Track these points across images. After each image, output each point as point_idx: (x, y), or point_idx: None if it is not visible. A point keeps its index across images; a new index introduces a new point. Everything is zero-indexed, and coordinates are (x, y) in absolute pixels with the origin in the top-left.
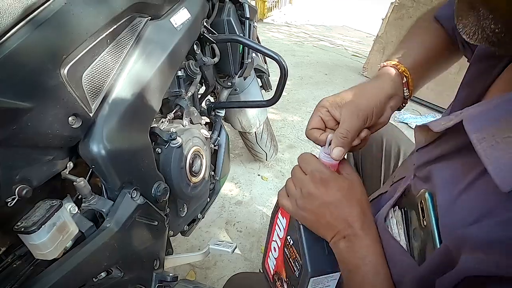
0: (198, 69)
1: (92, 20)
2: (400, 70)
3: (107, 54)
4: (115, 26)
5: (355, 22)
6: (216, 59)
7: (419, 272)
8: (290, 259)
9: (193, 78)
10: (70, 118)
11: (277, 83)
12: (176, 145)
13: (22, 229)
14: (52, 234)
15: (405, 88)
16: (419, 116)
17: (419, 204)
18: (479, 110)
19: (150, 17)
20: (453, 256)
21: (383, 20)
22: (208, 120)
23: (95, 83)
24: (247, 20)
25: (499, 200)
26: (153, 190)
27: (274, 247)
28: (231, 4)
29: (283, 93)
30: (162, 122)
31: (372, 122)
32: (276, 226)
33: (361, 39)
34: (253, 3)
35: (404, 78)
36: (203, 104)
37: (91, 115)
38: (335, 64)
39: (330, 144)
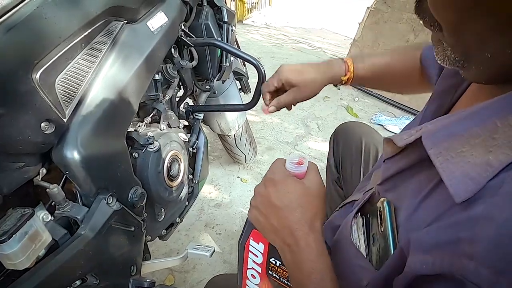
0: (176, 72)
1: (66, 24)
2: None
3: (82, 58)
4: (89, 30)
5: (333, 25)
6: (194, 63)
7: (378, 276)
8: (282, 279)
9: (170, 82)
10: (42, 124)
11: (255, 86)
12: (153, 149)
13: None
14: (24, 243)
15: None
16: (394, 118)
17: (378, 212)
18: (437, 126)
19: (126, 21)
20: (406, 259)
21: (359, 24)
22: (186, 123)
23: (69, 87)
24: (225, 24)
25: (448, 207)
26: (129, 195)
27: (251, 275)
28: (209, 8)
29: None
30: (139, 126)
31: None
32: (250, 253)
33: (339, 42)
34: (232, 4)
35: (346, 65)
36: (181, 107)
37: (65, 121)
38: None
39: (296, 158)
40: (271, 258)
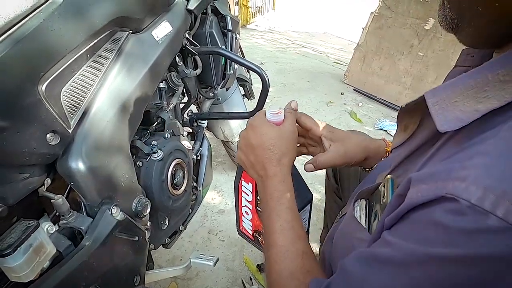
0: (180, 81)
1: (72, 35)
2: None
3: (87, 69)
4: (95, 41)
5: (337, 29)
6: (198, 71)
7: (374, 236)
8: None
9: (175, 90)
10: (48, 135)
11: (259, 93)
12: (157, 158)
13: None
14: (28, 256)
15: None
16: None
17: (381, 188)
18: (440, 86)
19: (131, 31)
20: (404, 198)
21: (363, 29)
22: (190, 130)
23: (74, 98)
24: (230, 32)
25: (446, 156)
26: (133, 205)
27: (245, 212)
28: (213, 16)
29: (267, 100)
30: (143, 135)
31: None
32: (242, 193)
33: (343, 46)
34: (236, 8)
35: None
36: (185, 114)
37: (70, 132)
38: (317, 71)
39: (275, 109)
40: (258, 195)
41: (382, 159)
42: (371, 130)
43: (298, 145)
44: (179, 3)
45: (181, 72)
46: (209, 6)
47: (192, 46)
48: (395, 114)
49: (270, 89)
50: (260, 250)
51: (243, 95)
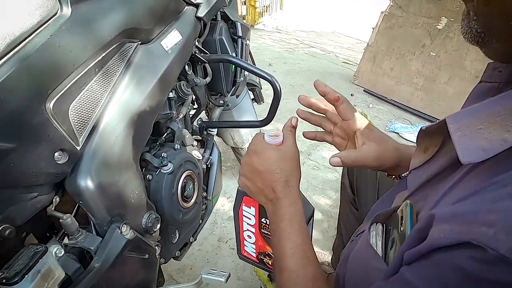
0: (190, 89)
1: (80, 51)
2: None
3: (95, 83)
4: (103, 54)
5: (345, 28)
6: (208, 79)
7: (391, 269)
8: None
9: (184, 99)
10: (56, 154)
11: (270, 103)
12: (167, 171)
13: (3, 280)
14: (36, 283)
15: None
16: (409, 125)
17: (399, 213)
18: (462, 111)
19: (140, 42)
20: (425, 234)
21: (373, 29)
22: (200, 138)
23: (82, 114)
24: (240, 39)
25: (472, 192)
26: (143, 221)
27: (247, 236)
28: (223, 22)
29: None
30: (153, 146)
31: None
32: (244, 217)
33: (351, 46)
34: (244, 8)
35: None
36: (195, 123)
37: (79, 149)
38: (327, 71)
39: (272, 132)
40: (262, 218)
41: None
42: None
43: (322, 130)
44: (189, 10)
45: (191, 81)
46: (218, 13)
47: (202, 54)
48: (407, 115)
49: None
50: (266, 270)
51: (252, 99)
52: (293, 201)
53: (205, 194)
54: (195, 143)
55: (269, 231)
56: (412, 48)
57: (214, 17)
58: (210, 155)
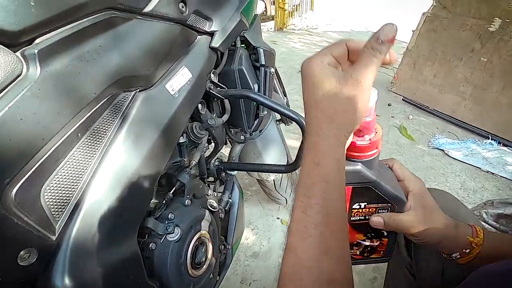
0: (204, 131)
1: (52, 118)
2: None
3: (78, 151)
4: (88, 114)
5: (378, 27)
6: (226, 117)
7: None
8: (366, 216)
9: (197, 143)
10: (21, 253)
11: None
12: (174, 239)
13: None
14: None
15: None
16: (457, 140)
17: None
18: None
19: (139, 89)
20: None
21: (413, 32)
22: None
23: (61, 194)
24: (263, 67)
25: None
26: None
27: None
28: (243, 49)
29: (303, 114)
30: (157, 207)
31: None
32: None
33: None
34: (272, 8)
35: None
36: (212, 163)
37: (54, 239)
38: None
39: None
40: (354, 204)
41: (465, 251)
42: (425, 150)
43: None
44: (201, 41)
45: (205, 123)
46: (238, 37)
47: (218, 89)
48: (453, 128)
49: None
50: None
51: (278, 120)
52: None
53: (223, 241)
54: (210, 191)
55: (361, 216)
56: (458, 53)
57: (233, 44)
58: (230, 197)
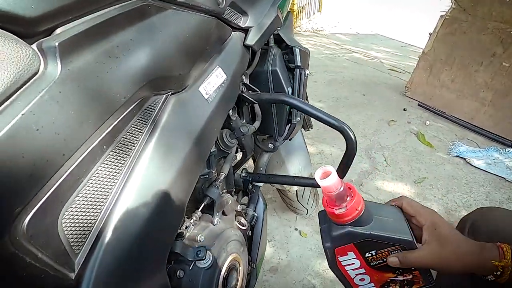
0: (234, 140)
1: (75, 129)
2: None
3: (103, 167)
4: (115, 123)
5: (386, 30)
6: (257, 124)
7: None
8: (384, 259)
9: (227, 153)
10: None
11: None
12: (205, 266)
13: None
14: None
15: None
16: (477, 148)
17: None
18: None
19: (171, 91)
20: None
21: (430, 35)
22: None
23: (81, 221)
24: (298, 69)
25: None
26: None
27: (360, 279)
28: (276, 48)
29: None
30: (185, 227)
31: None
32: (346, 267)
33: (396, 49)
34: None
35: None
36: (238, 173)
37: (73, 277)
38: (372, 81)
39: None
40: (365, 254)
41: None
42: (445, 157)
43: None
44: (235, 38)
45: (237, 130)
46: (271, 36)
47: (250, 93)
48: (472, 135)
49: (321, 104)
50: None
51: None
52: None
53: (249, 260)
54: (239, 207)
55: (379, 259)
56: (478, 58)
57: (266, 43)
58: (255, 210)
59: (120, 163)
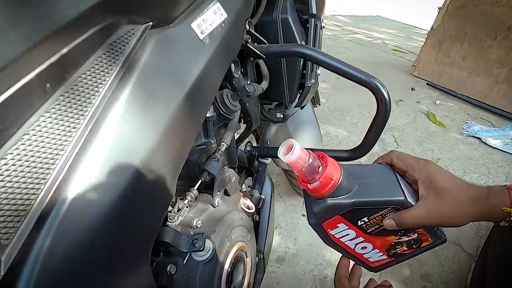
0: (237, 104)
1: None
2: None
3: (48, 117)
4: (63, 50)
5: (387, 12)
6: (265, 85)
7: None
8: (380, 224)
9: (229, 118)
10: None
11: (372, 121)
12: (204, 259)
13: None
14: None
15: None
16: (493, 128)
17: None
18: None
19: (150, 22)
20: None
21: (439, 9)
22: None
23: (11, 198)
24: (312, 19)
25: None
26: None
27: (362, 248)
28: None
29: (322, 100)
30: (176, 209)
31: None
32: (341, 239)
33: (399, 31)
34: None
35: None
36: (242, 147)
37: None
38: (377, 61)
39: None
40: (358, 222)
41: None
42: (458, 138)
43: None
44: None
45: (241, 90)
46: None
47: (256, 45)
48: (485, 114)
49: (324, 85)
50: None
51: None
52: None
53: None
54: (244, 187)
55: (375, 226)
56: (492, 32)
57: None
58: (261, 191)
59: (75, 115)
